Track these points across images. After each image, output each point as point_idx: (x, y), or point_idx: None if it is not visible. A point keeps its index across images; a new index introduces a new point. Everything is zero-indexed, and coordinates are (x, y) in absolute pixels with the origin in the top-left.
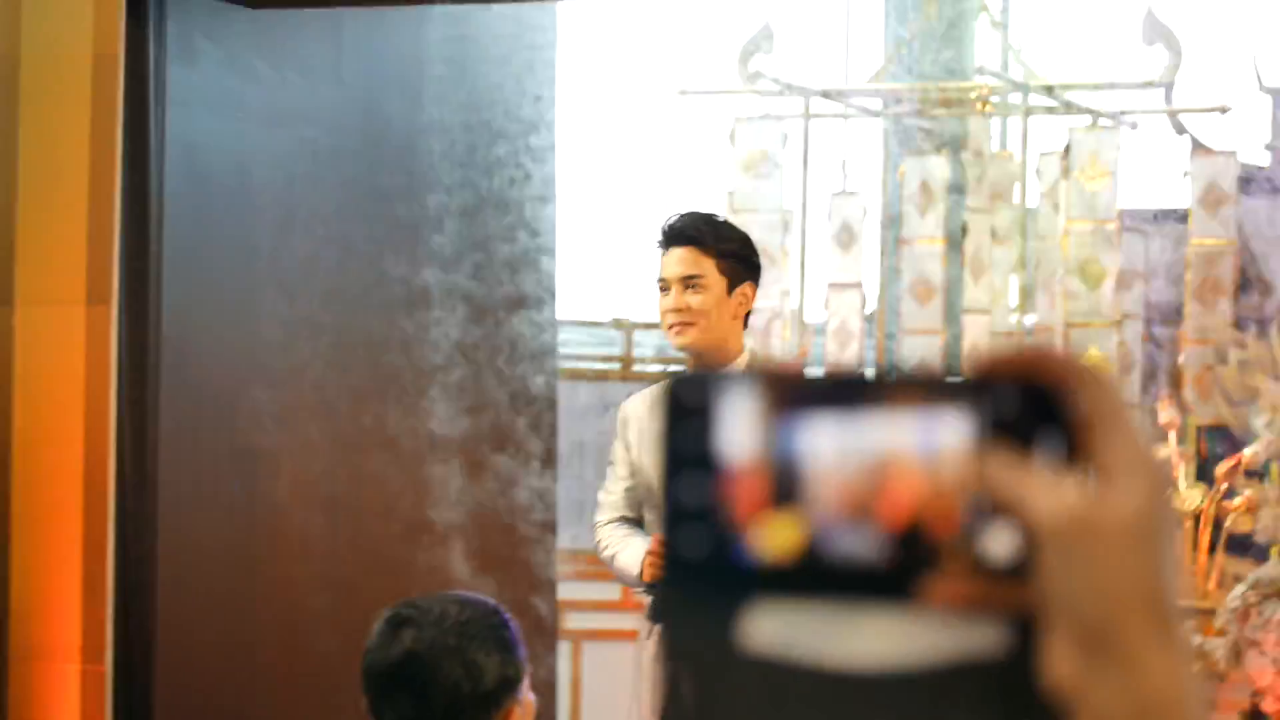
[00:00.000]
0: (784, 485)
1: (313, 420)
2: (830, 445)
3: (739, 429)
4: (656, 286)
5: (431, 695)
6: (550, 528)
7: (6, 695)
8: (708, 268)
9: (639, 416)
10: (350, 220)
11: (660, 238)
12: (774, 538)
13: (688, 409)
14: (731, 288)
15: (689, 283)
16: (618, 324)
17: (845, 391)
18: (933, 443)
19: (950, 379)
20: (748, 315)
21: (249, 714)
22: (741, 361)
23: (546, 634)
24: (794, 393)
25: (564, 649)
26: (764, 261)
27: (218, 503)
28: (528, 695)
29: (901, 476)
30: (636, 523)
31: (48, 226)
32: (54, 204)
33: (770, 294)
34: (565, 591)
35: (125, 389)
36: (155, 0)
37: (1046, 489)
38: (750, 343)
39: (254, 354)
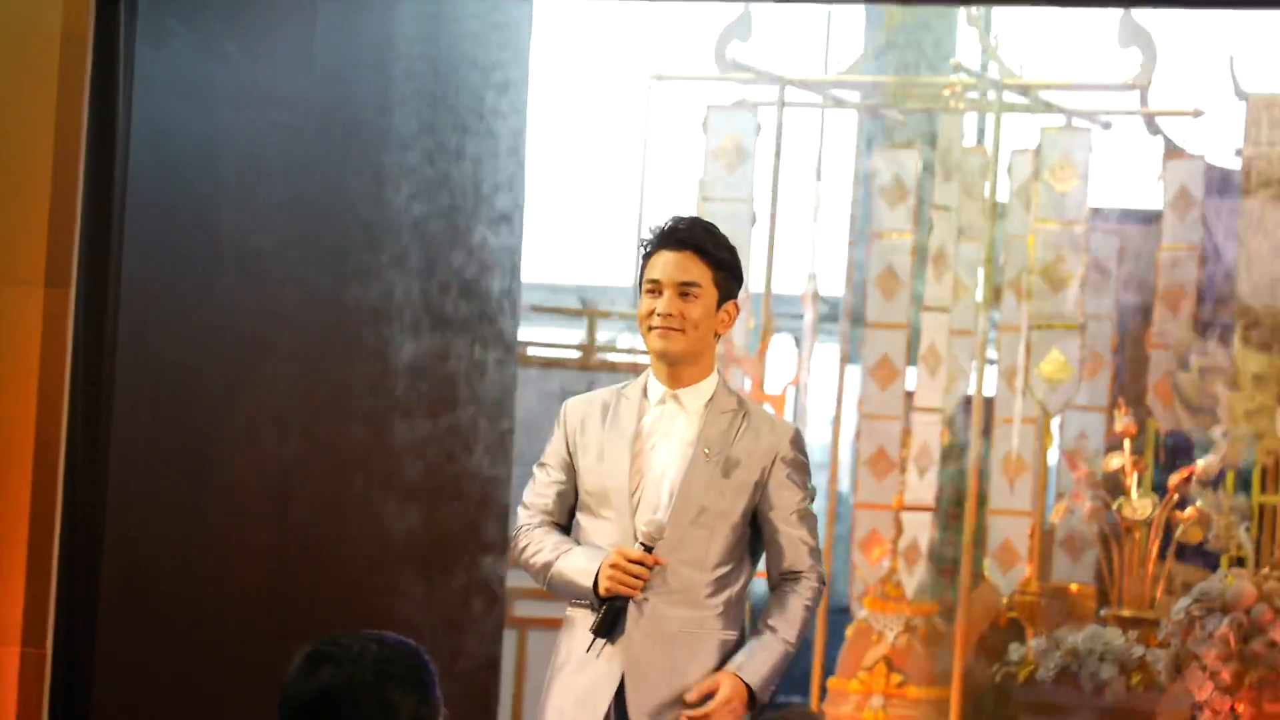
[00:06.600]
0: None
1: (269, 405)
2: None
3: None
4: (641, 287)
5: None
6: (502, 515)
7: None
8: (705, 277)
9: (586, 419)
10: (316, 205)
11: (654, 239)
12: None
13: None
14: (720, 302)
15: (684, 289)
16: (583, 312)
17: None
18: None
19: None
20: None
21: (189, 703)
22: (710, 384)
23: (494, 620)
24: None
25: (510, 637)
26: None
27: (170, 488)
28: None
29: None
30: (564, 530)
31: (8, 206)
32: (16, 183)
33: None
34: (513, 579)
35: (81, 373)
36: None
37: None
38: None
39: (213, 339)
